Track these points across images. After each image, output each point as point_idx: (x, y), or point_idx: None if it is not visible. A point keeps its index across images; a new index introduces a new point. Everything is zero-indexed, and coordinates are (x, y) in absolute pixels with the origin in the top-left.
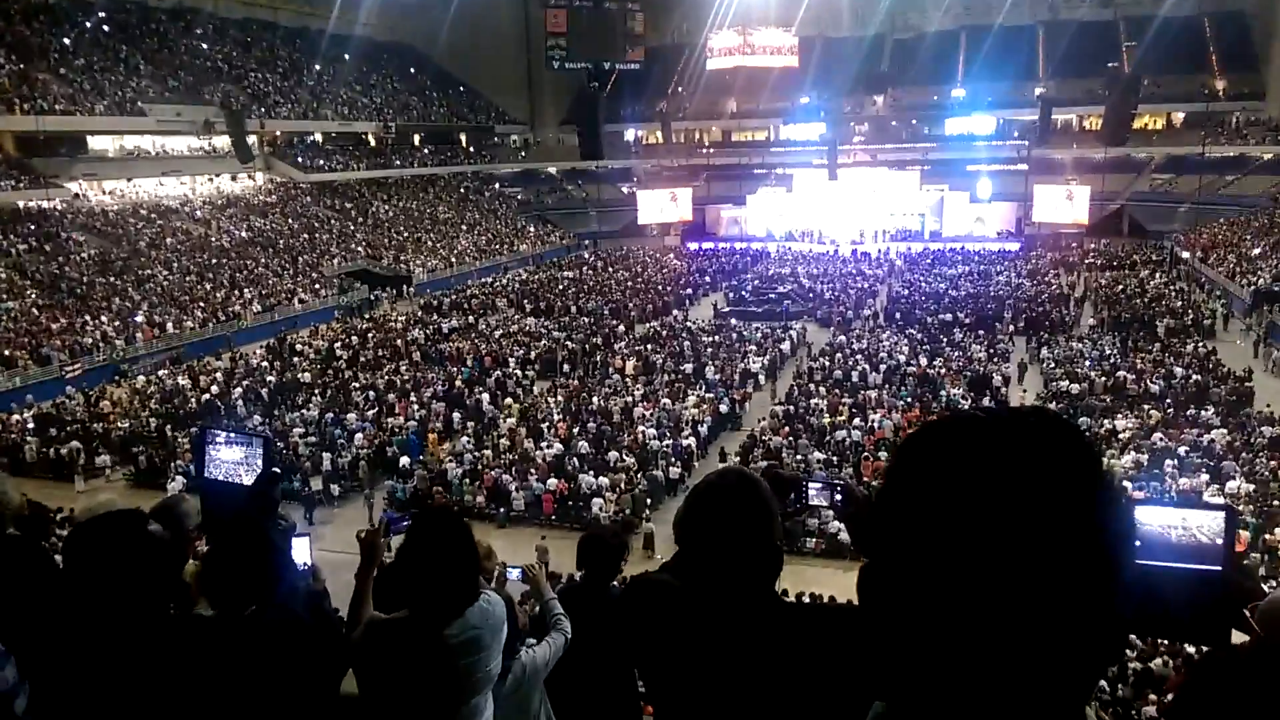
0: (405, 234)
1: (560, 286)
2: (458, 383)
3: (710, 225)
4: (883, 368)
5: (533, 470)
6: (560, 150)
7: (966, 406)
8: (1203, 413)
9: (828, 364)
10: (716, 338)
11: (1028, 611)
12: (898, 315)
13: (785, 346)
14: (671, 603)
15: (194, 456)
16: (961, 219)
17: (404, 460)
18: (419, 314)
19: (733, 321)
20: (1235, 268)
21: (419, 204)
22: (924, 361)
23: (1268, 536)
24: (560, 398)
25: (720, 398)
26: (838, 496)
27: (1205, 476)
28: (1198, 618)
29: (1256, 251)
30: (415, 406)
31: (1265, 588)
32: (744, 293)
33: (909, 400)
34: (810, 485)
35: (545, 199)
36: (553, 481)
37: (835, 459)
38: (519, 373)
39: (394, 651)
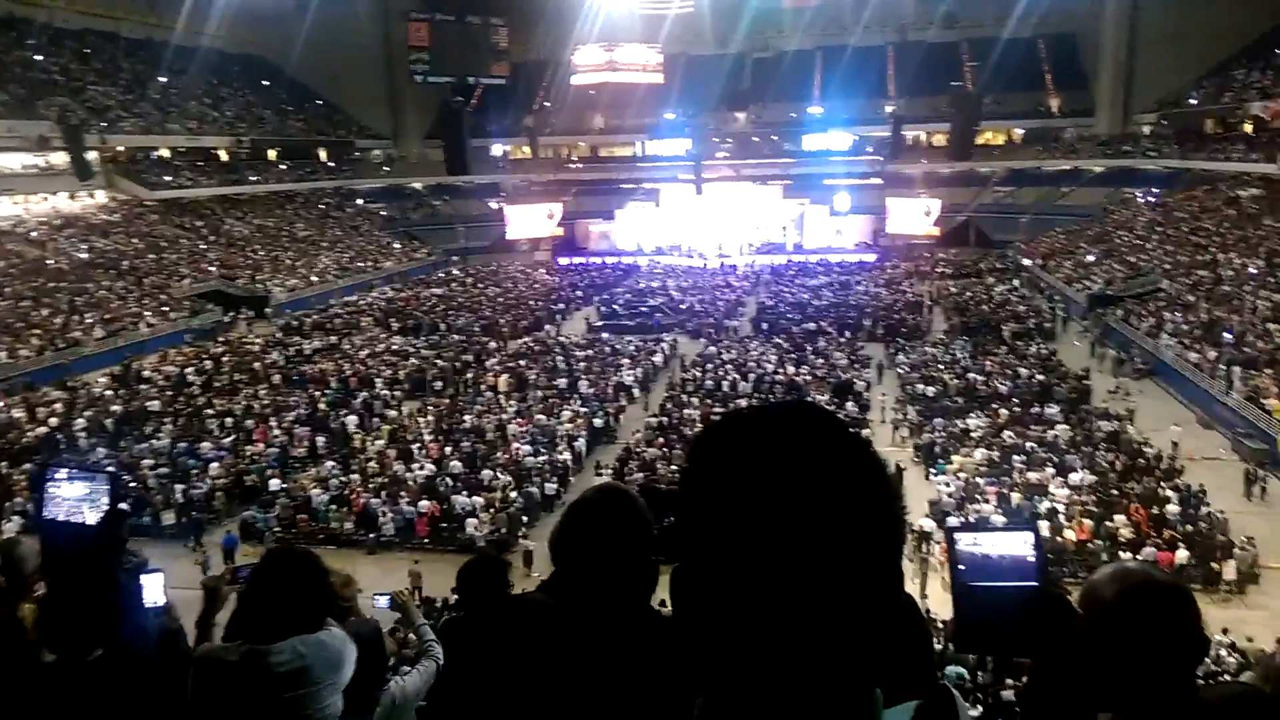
0: (262, 252)
1: (429, 304)
2: (321, 405)
3: (580, 240)
4: (752, 377)
5: (403, 493)
6: (425, 165)
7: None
8: (1047, 410)
9: (699, 375)
10: (590, 352)
11: (817, 593)
12: (765, 325)
13: (658, 359)
14: (548, 623)
15: (33, 495)
16: (822, 231)
17: (274, 483)
18: (278, 335)
19: (605, 336)
20: (1072, 274)
21: (276, 221)
22: (791, 369)
23: (1108, 524)
24: (431, 417)
25: (595, 412)
26: None
27: (1051, 470)
28: (1020, 632)
29: (1091, 258)
30: (276, 432)
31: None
32: (616, 307)
33: None
34: None
35: (411, 215)
36: (425, 503)
37: None
38: (387, 393)
39: (221, 682)
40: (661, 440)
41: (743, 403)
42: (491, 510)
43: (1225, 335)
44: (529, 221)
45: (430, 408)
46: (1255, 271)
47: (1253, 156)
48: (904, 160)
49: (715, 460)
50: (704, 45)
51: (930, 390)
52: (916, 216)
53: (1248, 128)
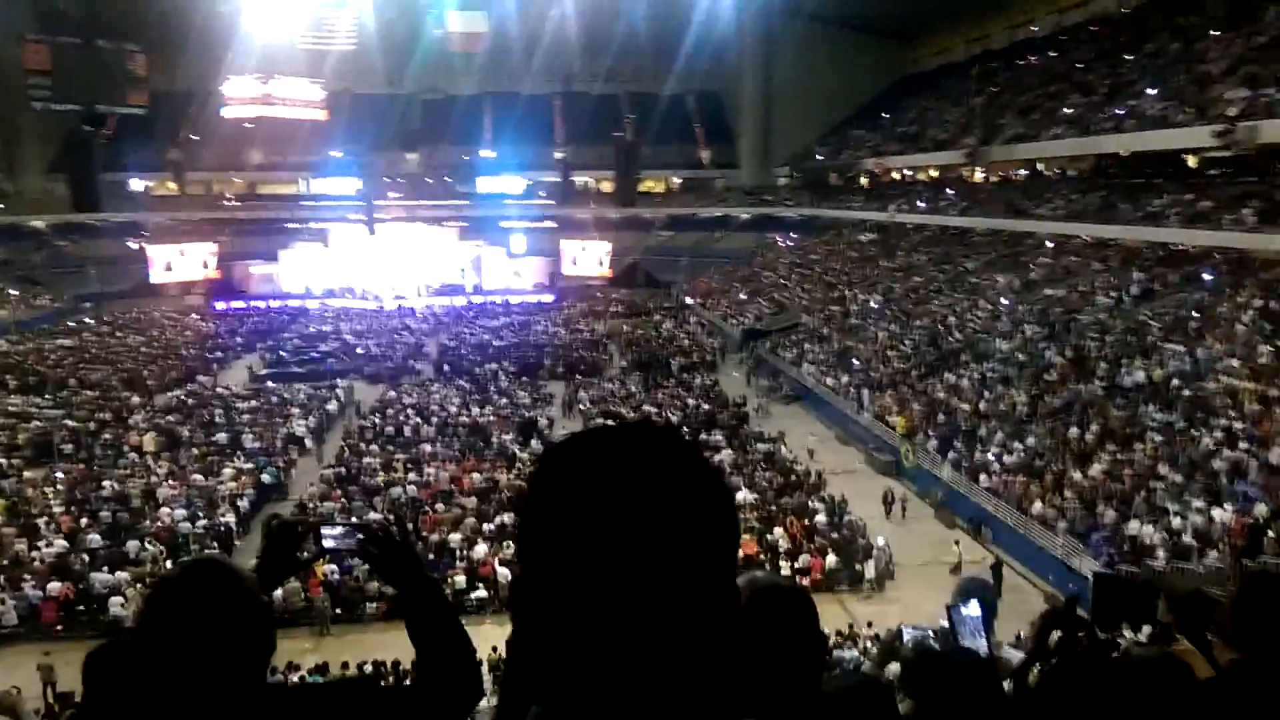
0: None
1: (54, 357)
2: None
3: (240, 283)
4: (435, 420)
5: (27, 575)
6: (48, 201)
7: (516, 450)
8: (712, 435)
9: (379, 421)
10: (254, 403)
11: (659, 603)
12: (447, 367)
13: (332, 406)
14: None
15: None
16: (500, 273)
17: None
18: None
19: (271, 384)
20: (728, 311)
21: None
22: (475, 411)
23: (769, 536)
24: (61, 486)
25: (262, 467)
26: (358, 537)
27: None
28: None
29: (743, 297)
30: None
31: None
32: (283, 353)
33: (463, 450)
34: (327, 530)
35: (31, 257)
36: (55, 585)
37: (392, 517)
38: (3, 461)
39: None
40: (339, 492)
41: (426, 448)
42: (139, 586)
43: (854, 362)
44: (178, 263)
45: (59, 475)
46: (876, 306)
47: (869, 206)
48: (575, 204)
49: (561, 475)
50: (372, 84)
51: (610, 424)
52: (590, 258)
53: (864, 180)
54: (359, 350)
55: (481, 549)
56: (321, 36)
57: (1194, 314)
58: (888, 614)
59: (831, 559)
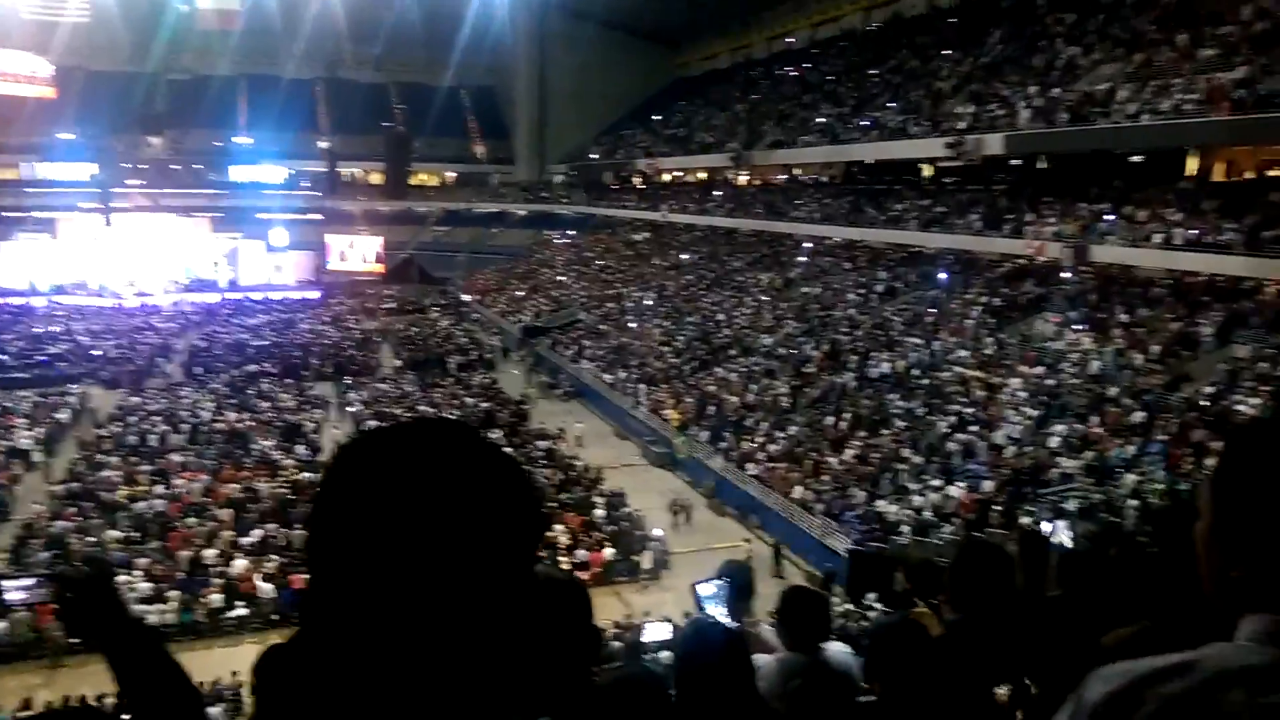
0: None
1: None
2: None
3: None
4: (185, 427)
5: None
6: None
7: (279, 457)
8: (491, 434)
9: (120, 429)
10: None
11: (467, 604)
12: (199, 370)
13: (63, 415)
14: None
15: None
16: (259, 268)
17: None
18: None
19: None
20: (506, 308)
21: None
22: (232, 416)
23: (548, 533)
24: None
25: None
26: (48, 588)
27: None
28: None
29: (521, 293)
30: None
31: None
32: (4, 356)
33: (218, 459)
34: (8, 584)
35: None
36: None
37: (138, 534)
38: None
39: None
40: (74, 510)
41: (175, 458)
42: None
43: (631, 358)
44: None
45: None
46: (650, 303)
47: (642, 205)
48: (342, 197)
49: (358, 473)
50: (109, 60)
51: (407, 421)
52: (359, 253)
53: (638, 181)
54: (95, 352)
55: (240, 564)
56: (50, 6)
57: (930, 310)
58: (664, 602)
59: (609, 551)
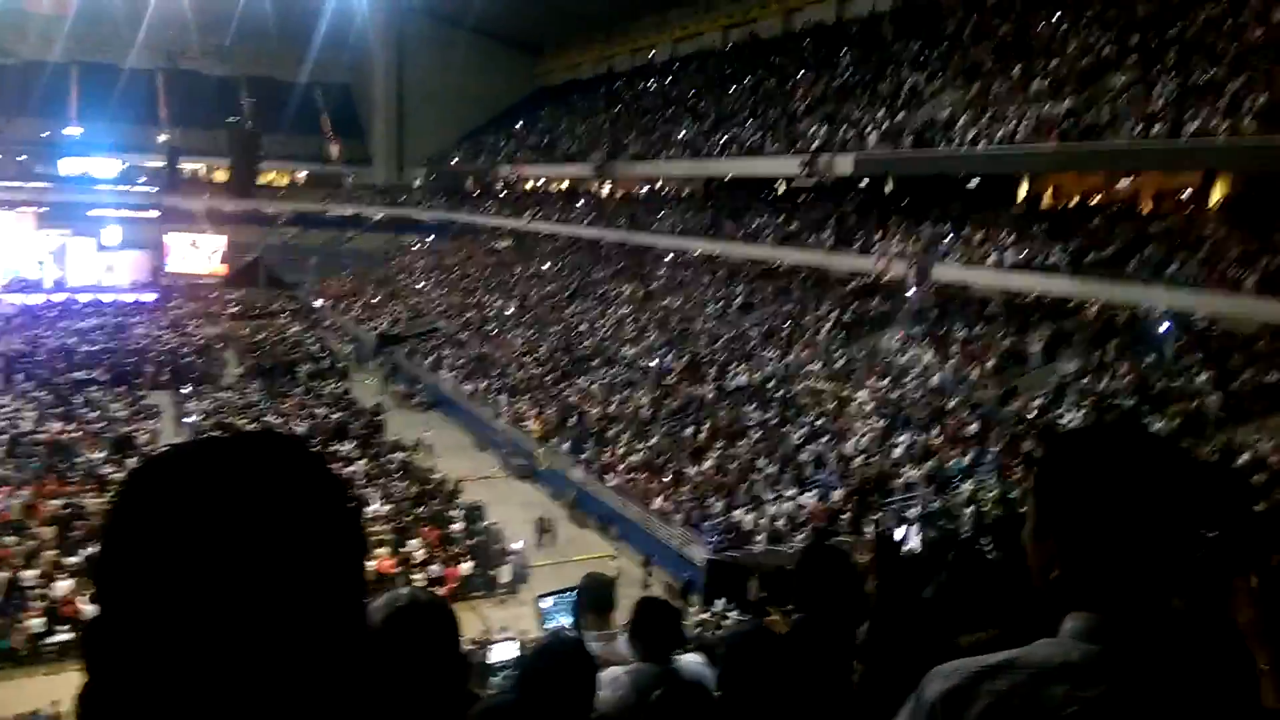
0: None
1: None
2: None
3: None
4: (3, 438)
5: None
6: None
7: (109, 471)
8: (343, 446)
9: None
10: None
11: (268, 640)
12: (19, 376)
13: None
14: None
15: None
16: (90, 267)
17: None
18: None
19: None
20: (361, 315)
21: None
22: (56, 426)
23: (401, 549)
24: None
25: None
26: None
27: None
28: None
29: (377, 300)
30: None
31: None
32: None
33: (40, 472)
34: None
35: None
36: None
37: None
38: None
39: None
40: None
41: None
42: None
43: (492, 368)
44: None
45: None
46: (511, 312)
47: (505, 212)
48: (183, 194)
49: (152, 495)
50: None
51: (218, 436)
52: (200, 254)
53: (500, 188)
54: None
55: (64, 585)
56: None
57: (785, 324)
58: (521, 616)
59: (467, 565)
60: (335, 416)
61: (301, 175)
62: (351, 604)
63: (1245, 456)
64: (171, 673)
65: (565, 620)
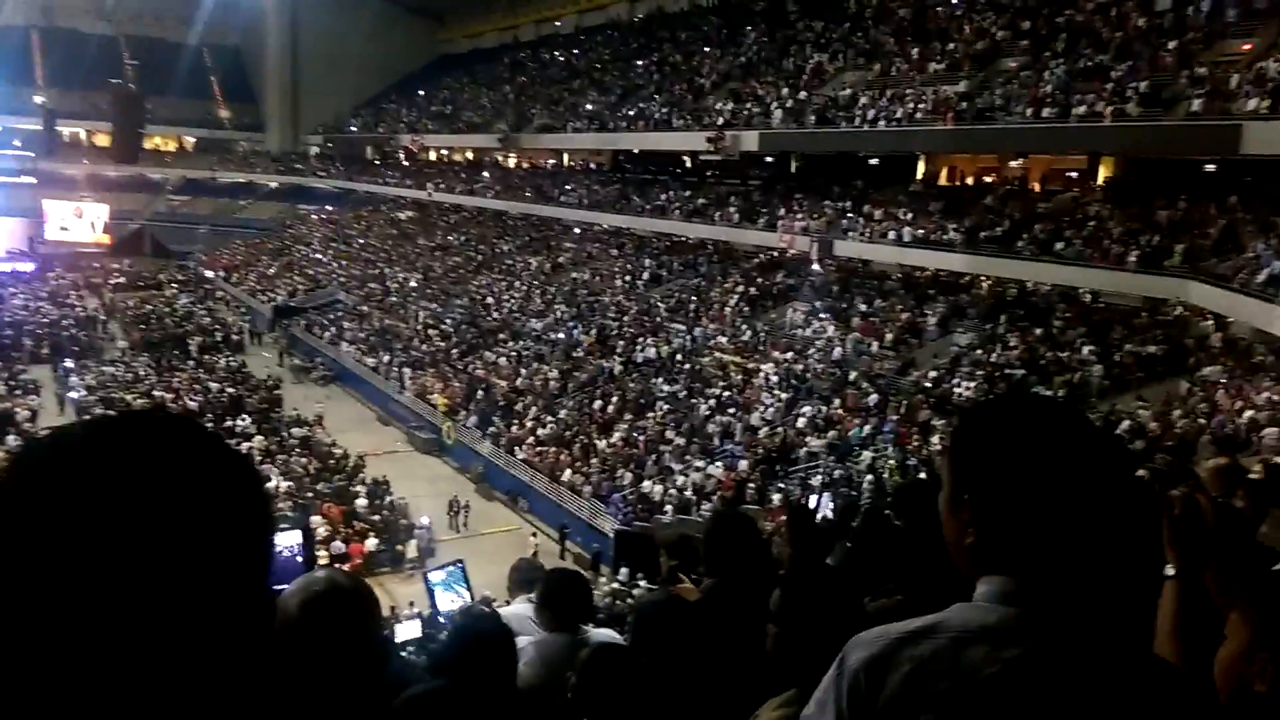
0: None
1: None
2: None
3: None
4: None
5: None
6: None
7: None
8: (239, 422)
9: None
10: None
11: (165, 631)
12: None
13: None
14: None
15: None
16: None
17: None
18: None
19: None
20: (256, 286)
21: None
22: None
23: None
24: None
25: None
26: None
27: None
28: None
29: (273, 271)
30: None
31: None
32: None
33: None
34: None
35: None
36: None
37: None
38: None
39: None
40: None
41: None
42: None
43: (395, 341)
44: None
45: None
46: (415, 284)
47: (406, 183)
48: (62, 159)
49: (37, 479)
50: None
51: (111, 414)
52: (83, 223)
53: (402, 156)
54: None
55: None
56: None
57: (693, 297)
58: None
59: (372, 542)
60: (230, 391)
61: (190, 140)
62: (255, 591)
63: (1125, 424)
64: (62, 668)
65: (453, 596)
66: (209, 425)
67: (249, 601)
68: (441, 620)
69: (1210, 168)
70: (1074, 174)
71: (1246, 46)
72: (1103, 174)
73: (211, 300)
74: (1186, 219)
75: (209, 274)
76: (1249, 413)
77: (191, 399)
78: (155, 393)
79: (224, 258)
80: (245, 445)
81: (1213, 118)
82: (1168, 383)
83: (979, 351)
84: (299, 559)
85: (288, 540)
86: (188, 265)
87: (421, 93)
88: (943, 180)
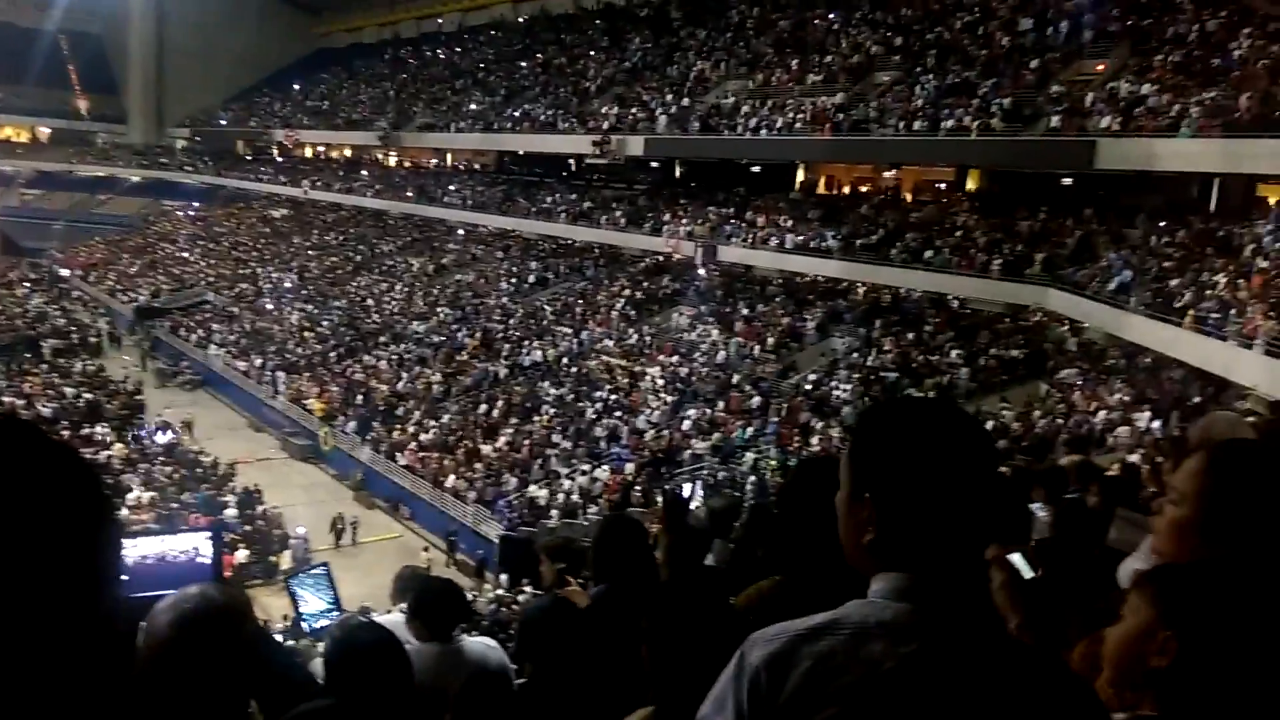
0: None
1: None
2: None
3: None
4: None
5: None
6: None
7: None
8: (96, 429)
9: None
10: None
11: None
12: None
13: None
14: None
15: None
16: None
17: None
18: None
19: None
20: (116, 285)
21: None
22: None
23: None
24: None
25: None
26: None
27: None
28: None
29: (134, 270)
30: None
31: None
32: None
33: None
34: None
35: None
36: None
37: None
38: None
39: None
40: None
41: None
42: None
43: (268, 344)
44: None
45: None
46: (290, 285)
47: (280, 180)
48: None
49: None
50: None
51: None
52: None
53: (275, 152)
54: None
55: None
56: None
57: (579, 301)
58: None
59: (242, 554)
60: (87, 397)
61: (45, 131)
62: (94, 605)
63: (989, 424)
64: None
65: (316, 602)
66: (65, 433)
67: (70, 611)
68: (304, 625)
69: (1068, 181)
70: (943, 185)
71: (1100, 67)
72: (970, 185)
73: (67, 300)
74: (1046, 229)
75: (64, 272)
76: (1102, 413)
77: (45, 405)
78: (4, 398)
79: (81, 255)
80: (104, 454)
81: (1070, 134)
82: (1028, 385)
83: (856, 355)
84: (202, 560)
85: (189, 543)
86: (41, 263)
87: (297, 87)
88: (821, 189)
